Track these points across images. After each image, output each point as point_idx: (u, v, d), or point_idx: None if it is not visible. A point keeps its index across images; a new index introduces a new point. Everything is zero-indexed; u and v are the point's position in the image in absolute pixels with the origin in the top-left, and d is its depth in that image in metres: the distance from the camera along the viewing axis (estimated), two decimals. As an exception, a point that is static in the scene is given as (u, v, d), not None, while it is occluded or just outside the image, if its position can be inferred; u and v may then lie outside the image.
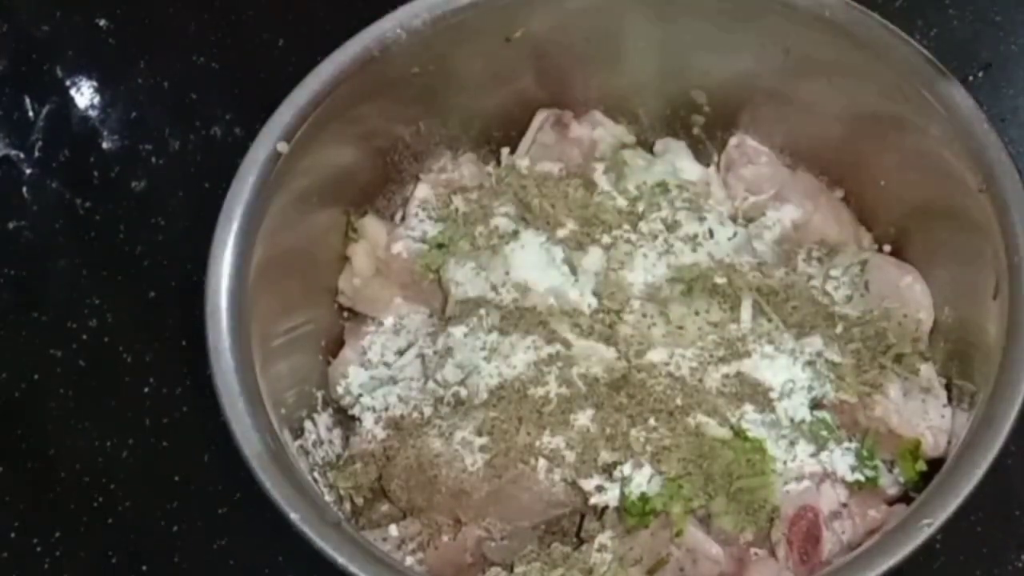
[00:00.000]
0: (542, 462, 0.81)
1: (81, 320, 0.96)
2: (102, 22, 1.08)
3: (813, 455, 0.81)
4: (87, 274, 0.99)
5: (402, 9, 0.86)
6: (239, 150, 0.82)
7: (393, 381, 0.88)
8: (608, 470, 0.80)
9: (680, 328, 0.85)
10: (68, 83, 1.06)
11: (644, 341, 0.84)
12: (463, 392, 0.84)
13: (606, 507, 0.80)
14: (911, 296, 0.87)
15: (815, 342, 0.84)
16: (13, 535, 0.90)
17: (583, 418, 0.82)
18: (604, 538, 0.80)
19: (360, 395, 0.88)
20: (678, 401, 0.82)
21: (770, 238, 0.90)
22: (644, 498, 0.79)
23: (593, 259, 0.87)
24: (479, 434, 0.82)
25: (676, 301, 0.86)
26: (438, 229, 0.90)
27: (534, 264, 0.87)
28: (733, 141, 0.94)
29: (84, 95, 1.06)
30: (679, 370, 0.83)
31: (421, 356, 0.88)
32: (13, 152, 1.03)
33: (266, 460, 0.74)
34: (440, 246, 0.89)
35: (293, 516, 0.73)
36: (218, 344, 0.77)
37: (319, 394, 0.88)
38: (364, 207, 0.92)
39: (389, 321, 0.90)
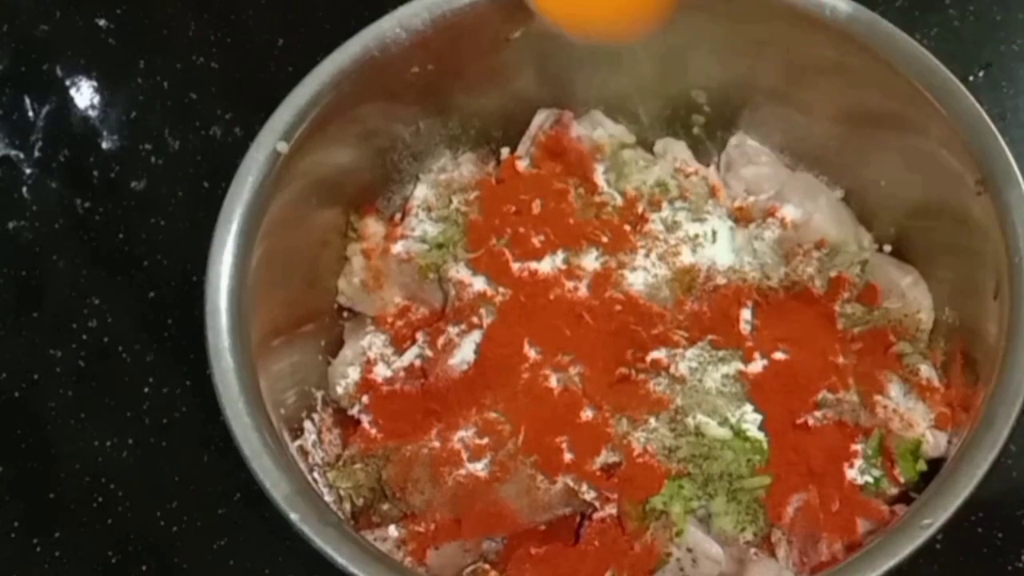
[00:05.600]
0: (541, 463, 0.81)
1: (81, 320, 0.96)
2: (102, 22, 1.08)
3: (813, 455, 0.82)
4: (87, 274, 0.99)
5: (402, 9, 0.86)
6: (239, 150, 0.82)
7: (393, 381, 0.88)
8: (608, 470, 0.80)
9: (680, 329, 0.85)
10: (68, 83, 1.06)
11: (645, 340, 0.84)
12: (462, 392, 0.84)
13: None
14: (911, 296, 0.87)
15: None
16: (13, 535, 0.90)
17: (583, 418, 0.82)
18: None
19: (360, 395, 0.88)
20: (678, 401, 0.82)
21: (770, 238, 0.90)
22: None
23: (593, 259, 0.88)
24: (479, 434, 0.82)
25: (676, 301, 0.86)
26: (438, 229, 0.90)
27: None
28: (733, 141, 0.94)
29: (84, 95, 1.06)
30: (679, 370, 0.83)
31: (421, 356, 0.88)
32: (13, 152, 1.03)
33: (266, 460, 0.74)
34: (440, 246, 0.90)
35: (293, 516, 0.73)
36: (218, 344, 0.77)
37: (319, 394, 0.88)
38: (364, 207, 0.92)
39: (389, 321, 0.90)
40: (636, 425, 0.81)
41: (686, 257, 0.88)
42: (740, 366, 0.84)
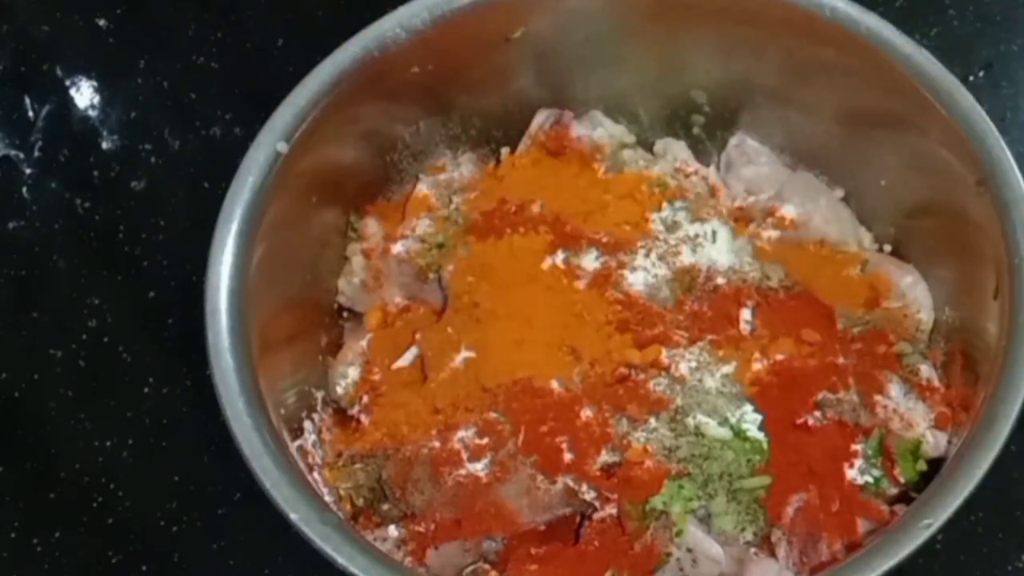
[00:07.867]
0: (541, 463, 0.81)
1: (81, 320, 0.96)
2: (102, 22, 1.08)
3: (814, 455, 0.82)
4: (87, 274, 0.99)
5: (402, 9, 0.86)
6: (239, 150, 0.82)
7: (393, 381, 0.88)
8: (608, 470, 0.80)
9: (680, 329, 0.85)
10: (68, 83, 1.06)
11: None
12: (462, 392, 0.84)
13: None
14: (911, 296, 0.87)
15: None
16: (13, 535, 0.90)
17: (583, 418, 0.82)
18: None
19: (360, 395, 0.88)
20: (678, 401, 0.82)
21: (770, 238, 0.90)
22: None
23: (593, 259, 0.88)
24: (479, 434, 0.82)
25: (676, 301, 0.86)
26: (438, 229, 0.90)
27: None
28: (733, 141, 0.94)
29: (84, 95, 1.06)
30: (679, 370, 0.83)
31: (420, 356, 0.88)
32: (13, 152, 1.03)
33: (266, 460, 0.74)
34: (440, 246, 0.90)
35: (293, 516, 0.73)
36: (218, 344, 0.77)
37: (319, 394, 0.88)
38: (364, 207, 0.92)
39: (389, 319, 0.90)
40: (636, 425, 0.81)
41: (686, 257, 0.88)
42: (740, 366, 0.84)
